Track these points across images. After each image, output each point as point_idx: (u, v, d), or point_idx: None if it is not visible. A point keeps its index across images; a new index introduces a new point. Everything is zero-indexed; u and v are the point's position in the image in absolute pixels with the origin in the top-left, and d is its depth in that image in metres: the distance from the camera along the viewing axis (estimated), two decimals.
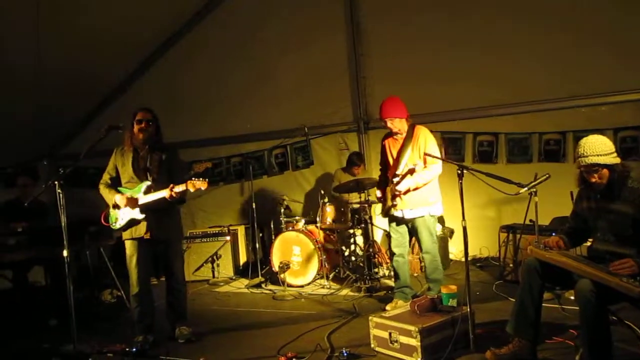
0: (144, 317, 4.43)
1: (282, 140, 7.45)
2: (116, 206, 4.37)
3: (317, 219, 6.35)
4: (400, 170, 4.71)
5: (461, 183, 3.59)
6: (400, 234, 4.93)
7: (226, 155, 8.14)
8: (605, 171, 3.12)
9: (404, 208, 4.76)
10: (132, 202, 4.29)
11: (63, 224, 3.72)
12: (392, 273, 5.20)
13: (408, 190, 4.68)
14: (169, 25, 7.78)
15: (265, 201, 7.47)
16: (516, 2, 6.22)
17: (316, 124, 7.23)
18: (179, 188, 4.14)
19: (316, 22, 7.26)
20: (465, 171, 3.65)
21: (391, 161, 4.90)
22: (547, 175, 4.02)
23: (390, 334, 3.74)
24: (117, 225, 4.40)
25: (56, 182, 3.76)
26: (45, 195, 4.38)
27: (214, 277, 6.87)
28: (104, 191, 4.45)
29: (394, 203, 4.74)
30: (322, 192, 6.43)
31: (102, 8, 6.44)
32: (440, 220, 6.81)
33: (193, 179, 4.16)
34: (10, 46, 6.06)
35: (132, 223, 4.35)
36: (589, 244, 3.45)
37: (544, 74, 6.13)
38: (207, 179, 4.21)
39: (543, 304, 3.36)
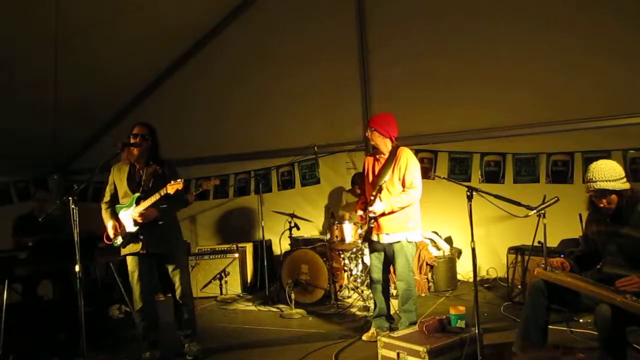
0: (149, 332, 4.41)
1: (292, 158, 7.50)
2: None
3: (326, 238, 6.37)
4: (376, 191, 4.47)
5: (470, 205, 3.58)
6: (379, 260, 4.68)
7: (234, 172, 8.20)
8: (614, 196, 3.15)
9: (381, 232, 4.51)
10: (121, 231, 4.35)
11: (76, 239, 3.73)
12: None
13: (383, 214, 4.43)
14: (178, 46, 7.96)
15: (273, 219, 7.50)
16: (526, 22, 6.27)
17: (324, 142, 7.27)
18: (162, 192, 4.05)
19: (327, 43, 7.38)
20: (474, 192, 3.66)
21: (371, 179, 4.67)
22: (556, 199, 4.00)
23: (398, 354, 3.74)
24: (118, 242, 4.39)
25: (70, 198, 3.75)
26: (56, 210, 4.43)
27: (221, 294, 6.89)
28: (104, 214, 4.48)
29: (370, 226, 4.48)
30: (332, 211, 6.45)
31: (112, 29, 6.65)
32: (448, 240, 6.82)
33: (171, 182, 4.03)
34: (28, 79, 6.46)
35: (130, 238, 4.34)
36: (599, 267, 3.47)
37: (552, 96, 6.16)
38: (181, 179, 4.08)
39: (550, 326, 3.37)
